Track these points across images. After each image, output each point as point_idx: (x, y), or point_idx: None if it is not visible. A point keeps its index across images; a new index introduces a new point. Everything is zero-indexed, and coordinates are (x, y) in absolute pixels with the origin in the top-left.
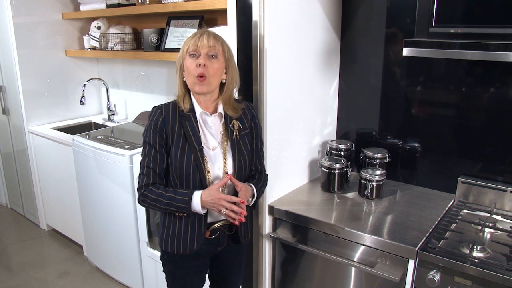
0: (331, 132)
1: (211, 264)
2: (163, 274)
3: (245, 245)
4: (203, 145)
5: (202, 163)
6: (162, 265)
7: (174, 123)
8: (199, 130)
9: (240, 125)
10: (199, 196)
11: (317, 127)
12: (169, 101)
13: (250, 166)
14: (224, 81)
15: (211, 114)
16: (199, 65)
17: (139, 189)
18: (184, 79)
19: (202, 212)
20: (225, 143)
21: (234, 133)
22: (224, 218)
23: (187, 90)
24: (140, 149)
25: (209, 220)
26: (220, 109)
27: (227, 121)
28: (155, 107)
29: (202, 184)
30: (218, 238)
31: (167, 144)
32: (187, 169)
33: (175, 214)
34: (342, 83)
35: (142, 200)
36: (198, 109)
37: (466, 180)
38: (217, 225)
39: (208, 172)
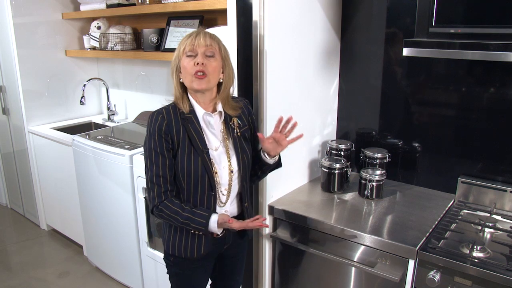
0: (331, 132)
1: (214, 262)
2: (163, 274)
3: (247, 241)
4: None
5: (210, 165)
6: (167, 266)
7: (178, 127)
8: (202, 132)
9: (239, 122)
10: (216, 220)
11: (317, 127)
12: (167, 102)
13: (251, 162)
14: (221, 80)
15: (211, 113)
16: (197, 63)
17: (152, 200)
18: (181, 80)
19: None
20: (227, 141)
21: (235, 130)
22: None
23: (184, 91)
24: (140, 149)
25: None
26: (220, 107)
27: (226, 119)
28: (154, 112)
29: (211, 186)
30: (224, 236)
31: (174, 149)
32: (195, 173)
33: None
34: (342, 83)
35: (158, 214)
36: (200, 111)
37: (466, 180)
38: None
39: (216, 173)
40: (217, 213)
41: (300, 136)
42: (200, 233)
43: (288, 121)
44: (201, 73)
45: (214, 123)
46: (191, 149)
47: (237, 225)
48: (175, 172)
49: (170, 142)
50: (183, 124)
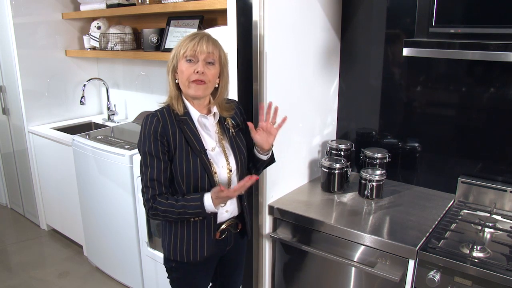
0: (331, 132)
1: (215, 265)
2: (163, 274)
3: (246, 242)
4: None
5: (209, 166)
6: (167, 272)
7: (174, 129)
8: (198, 133)
9: (233, 122)
10: (210, 197)
11: (317, 127)
12: (162, 105)
13: (247, 160)
14: (217, 85)
15: (206, 115)
16: (197, 72)
17: (146, 202)
18: (176, 81)
19: (217, 210)
20: (223, 142)
21: (230, 130)
22: (230, 217)
23: (179, 91)
24: None
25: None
26: (214, 109)
27: (221, 119)
28: (149, 115)
29: (211, 186)
30: (226, 238)
31: (170, 152)
32: (195, 174)
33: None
34: (342, 83)
35: (152, 214)
36: (195, 113)
37: (466, 180)
38: (224, 225)
39: (215, 173)
40: (209, 191)
41: (285, 119)
42: (200, 217)
43: (269, 107)
44: (200, 81)
45: (209, 125)
46: (188, 150)
47: (231, 192)
48: (174, 175)
49: (166, 145)
50: (179, 126)
